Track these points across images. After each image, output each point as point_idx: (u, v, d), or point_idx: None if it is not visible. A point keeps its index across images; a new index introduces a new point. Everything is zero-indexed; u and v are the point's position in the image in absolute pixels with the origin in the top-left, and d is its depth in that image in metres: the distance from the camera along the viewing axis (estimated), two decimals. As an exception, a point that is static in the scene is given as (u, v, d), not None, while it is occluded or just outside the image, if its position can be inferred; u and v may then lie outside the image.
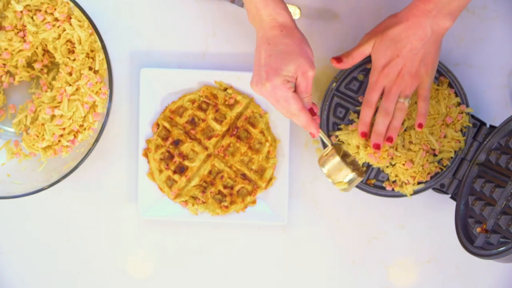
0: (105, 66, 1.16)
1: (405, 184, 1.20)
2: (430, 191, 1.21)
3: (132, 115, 1.25)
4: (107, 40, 1.17)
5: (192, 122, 1.23)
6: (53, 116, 1.19)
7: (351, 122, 1.21)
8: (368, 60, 1.20)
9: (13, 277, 1.27)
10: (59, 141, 1.19)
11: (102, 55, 1.17)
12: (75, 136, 1.20)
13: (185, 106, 1.23)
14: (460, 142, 1.20)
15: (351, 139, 1.19)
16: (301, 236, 1.26)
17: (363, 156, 1.19)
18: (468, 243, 1.11)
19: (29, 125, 1.22)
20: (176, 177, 1.23)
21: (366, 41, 1.14)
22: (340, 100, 1.22)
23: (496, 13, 1.25)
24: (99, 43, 1.15)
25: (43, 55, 1.21)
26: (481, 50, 1.25)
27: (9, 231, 1.27)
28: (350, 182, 1.12)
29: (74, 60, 1.18)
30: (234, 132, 1.22)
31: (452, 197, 1.21)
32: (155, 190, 1.24)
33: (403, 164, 1.19)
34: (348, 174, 1.11)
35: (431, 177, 1.20)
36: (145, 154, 1.23)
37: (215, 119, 1.23)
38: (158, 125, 1.23)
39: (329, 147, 1.12)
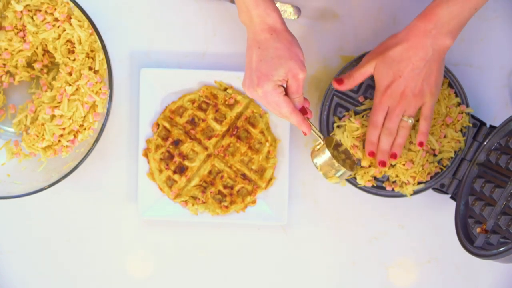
0: (105, 66, 1.16)
1: (405, 184, 1.20)
2: (430, 191, 1.21)
3: (132, 115, 1.25)
4: (107, 40, 1.17)
5: (192, 122, 1.23)
6: (53, 116, 1.19)
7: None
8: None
9: (13, 277, 1.27)
10: (59, 141, 1.19)
11: (102, 55, 1.17)
12: (75, 136, 1.20)
13: (185, 106, 1.23)
14: (460, 142, 1.20)
15: (345, 141, 1.20)
16: (301, 236, 1.26)
17: (360, 157, 1.19)
18: (468, 243, 1.12)
19: (29, 125, 1.22)
20: (176, 177, 1.23)
21: (368, 62, 1.14)
22: (340, 100, 1.22)
23: (496, 13, 1.25)
24: (99, 43, 1.15)
25: (43, 55, 1.21)
26: (481, 50, 1.25)
27: (9, 231, 1.27)
28: (341, 176, 1.14)
29: (74, 60, 1.18)
30: (234, 132, 1.23)
31: (452, 197, 1.21)
32: (155, 190, 1.24)
33: (403, 164, 1.19)
34: (340, 169, 1.13)
35: (431, 177, 1.20)
36: (145, 154, 1.23)
37: (215, 119, 1.23)
38: (158, 125, 1.23)
39: (321, 142, 1.14)
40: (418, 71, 1.10)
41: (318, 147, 1.14)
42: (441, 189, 1.21)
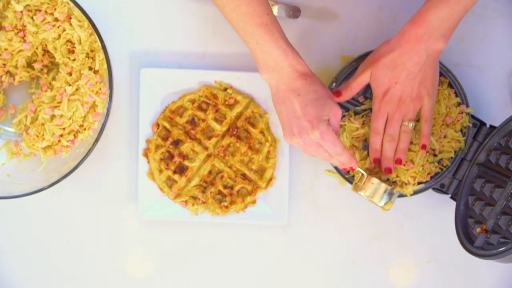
0: (105, 66, 1.16)
1: (405, 184, 1.20)
2: (430, 191, 1.21)
3: (132, 115, 1.25)
4: (107, 40, 1.17)
5: (192, 122, 1.23)
6: (53, 116, 1.19)
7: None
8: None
9: (13, 277, 1.27)
10: (59, 141, 1.19)
11: (102, 55, 1.17)
12: (75, 136, 1.20)
13: (185, 106, 1.23)
14: (460, 142, 1.19)
15: (344, 141, 1.20)
16: (301, 236, 1.26)
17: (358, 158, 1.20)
18: (468, 243, 1.11)
19: (29, 125, 1.22)
20: (176, 177, 1.23)
21: (363, 71, 1.14)
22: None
23: (496, 13, 1.25)
24: (99, 43, 1.15)
25: (43, 55, 1.21)
26: (481, 50, 1.25)
27: (9, 231, 1.27)
28: (393, 196, 1.17)
29: (74, 60, 1.18)
30: (234, 132, 1.23)
31: (452, 197, 1.21)
32: (155, 190, 1.24)
33: (403, 165, 1.19)
34: (388, 188, 1.17)
35: (431, 177, 1.20)
36: (145, 154, 1.23)
37: (215, 119, 1.23)
38: (158, 125, 1.23)
39: (363, 174, 1.16)
40: (413, 76, 1.11)
41: (363, 180, 1.17)
42: (441, 189, 1.21)
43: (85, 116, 1.19)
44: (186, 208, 1.24)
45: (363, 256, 1.27)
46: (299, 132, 1.06)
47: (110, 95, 1.16)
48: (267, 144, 1.23)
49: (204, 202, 1.23)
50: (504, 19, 1.24)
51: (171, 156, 1.23)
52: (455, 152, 1.20)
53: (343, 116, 1.21)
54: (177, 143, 1.23)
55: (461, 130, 1.20)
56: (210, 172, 1.24)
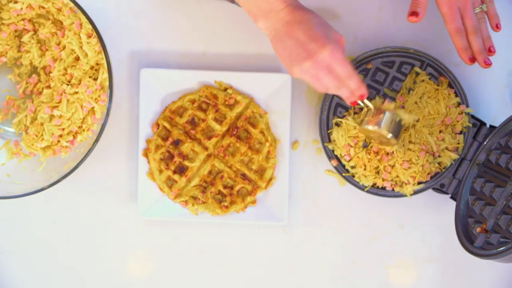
0: (107, 83, 1.16)
1: (405, 184, 1.20)
2: (430, 191, 1.21)
3: (132, 115, 1.25)
4: (107, 40, 1.17)
5: (192, 122, 1.23)
6: (52, 116, 1.19)
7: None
8: (368, 60, 1.20)
9: (13, 277, 1.27)
10: (58, 141, 1.19)
11: (106, 74, 1.17)
12: (74, 137, 1.20)
13: (185, 106, 1.23)
14: (458, 149, 1.20)
15: (339, 140, 1.20)
16: (301, 236, 1.26)
17: (353, 156, 1.20)
18: (468, 243, 1.12)
19: (28, 125, 1.22)
20: (176, 177, 1.23)
21: None
22: (340, 100, 1.21)
23: (496, 13, 1.25)
24: (105, 60, 1.15)
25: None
26: (481, 50, 1.25)
27: (9, 231, 1.27)
28: (399, 126, 1.15)
29: (77, 68, 1.19)
30: (234, 132, 1.23)
31: (452, 197, 1.21)
32: (155, 190, 1.24)
33: (401, 164, 1.19)
34: (397, 118, 1.14)
35: (431, 177, 1.20)
36: (145, 154, 1.23)
37: (215, 119, 1.23)
38: (158, 125, 1.23)
39: (371, 109, 1.14)
40: None
41: (370, 114, 1.14)
42: (441, 189, 1.21)
43: (84, 118, 1.19)
44: (186, 208, 1.24)
45: (363, 256, 1.27)
46: (308, 55, 1.02)
47: (110, 95, 1.16)
48: (267, 144, 1.23)
49: (204, 202, 1.23)
50: (504, 19, 1.24)
51: (171, 156, 1.23)
52: (454, 160, 1.20)
53: (343, 116, 1.21)
54: (177, 143, 1.23)
55: (461, 131, 1.20)
56: (210, 172, 1.24)
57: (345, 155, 1.21)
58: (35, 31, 1.20)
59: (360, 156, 1.20)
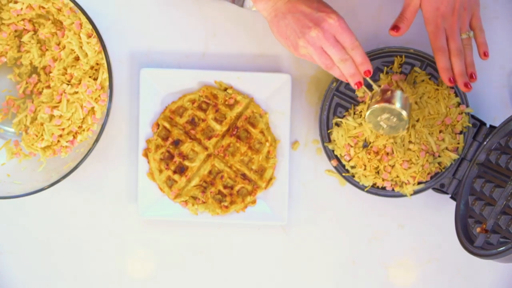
0: (107, 83, 1.16)
1: (405, 184, 1.20)
2: (430, 191, 1.21)
3: (132, 115, 1.25)
4: (107, 40, 1.17)
5: (192, 122, 1.23)
6: (52, 116, 1.19)
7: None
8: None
9: (13, 277, 1.27)
10: (58, 141, 1.19)
11: (106, 74, 1.17)
12: (74, 137, 1.20)
13: (185, 106, 1.23)
14: (458, 149, 1.20)
15: (339, 140, 1.20)
16: (301, 236, 1.26)
17: (353, 156, 1.20)
18: (468, 243, 1.11)
19: (28, 125, 1.22)
20: (176, 177, 1.23)
21: None
22: (340, 100, 1.21)
23: (496, 13, 1.25)
24: (105, 60, 1.15)
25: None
26: (481, 50, 1.25)
27: (9, 231, 1.27)
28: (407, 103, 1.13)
29: (77, 67, 1.19)
30: (234, 132, 1.23)
31: (452, 197, 1.21)
32: (155, 190, 1.24)
33: (401, 164, 1.19)
34: (404, 95, 1.13)
35: (431, 177, 1.20)
36: (145, 154, 1.23)
37: (215, 119, 1.23)
38: (158, 125, 1.23)
39: (377, 90, 1.14)
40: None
41: (375, 96, 1.14)
42: (441, 189, 1.21)
43: (84, 118, 1.19)
44: (186, 208, 1.24)
45: (363, 256, 1.27)
46: (315, 23, 1.04)
47: (110, 95, 1.16)
48: (267, 144, 1.23)
49: (204, 202, 1.23)
50: (504, 19, 1.24)
51: (171, 156, 1.23)
52: (454, 160, 1.20)
53: (343, 116, 1.21)
54: (177, 143, 1.23)
55: (461, 131, 1.20)
56: (210, 172, 1.24)
57: (345, 155, 1.21)
58: (35, 31, 1.20)
59: (360, 156, 1.20)
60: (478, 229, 1.11)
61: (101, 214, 1.26)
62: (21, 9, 1.18)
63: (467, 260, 1.24)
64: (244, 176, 1.24)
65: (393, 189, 1.21)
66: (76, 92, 1.18)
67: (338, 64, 1.07)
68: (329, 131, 1.21)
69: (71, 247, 1.27)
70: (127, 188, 1.26)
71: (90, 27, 1.14)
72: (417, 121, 1.19)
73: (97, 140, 1.15)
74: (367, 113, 1.13)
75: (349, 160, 1.21)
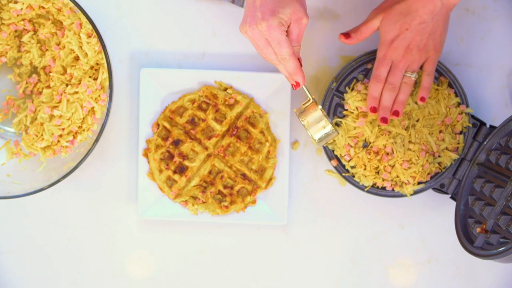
0: (107, 83, 1.16)
1: (405, 184, 1.20)
2: (430, 191, 1.21)
3: (132, 115, 1.25)
4: (107, 40, 1.17)
5: (192, 122, 1.23)
6: (52, 116, 1.19)
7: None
8: (368, 60, 1.21)
9: (13, 277, 1.27)
10: (58, 141, 1.19)
11: (106, 74, 1.17)
12: (74, 137, 1.20)
13: (185, 106, 1.23)
14: (458, 149, 1.20)
15: (339, 140, 1.20)
16: (301, 236, 1.26)
17: (353, 156, 1.20)
18: (468, 243, 1.11)
19: (28, 125, 1.22)
20: (176, 177, 1.23)
21: (374, 16, 1.14)
22: (340, 100, 1.22)
23: (496, 13, 1.25)
24: (104, 59, 1.15)
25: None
26: (481, 50, 1.25)
27: (9, 231, 1.27)
28: (326, 135, 1.12)
29: (76, 67, 1.19)
30: (234, 132, 1.23)
31: (452, 197, 1.21)
32: (155, 190, 1.24)
33: (401, 164, 1.19)
34: (327, 125, 1.11)
35: (431, 177, 1.20)
36: (145, 154, 1.23)
37: (215, 119, 1.23)
38: (158, 125, 1.23)
39: (310, 100, 1.11)
40: (425, 25, 1.10)
41: (306, 104, 1.12)
42: (441, 189, 1.21)
43: (84, 118, 1.19)
44: (186, 208, 1.24)
45: (363, 256, 1.27)
46: (250, 22, 1.02)
47: (110, 95, 1.15)
48: (267, 144, 1.23)
49: (204, 202, 1.23)
50: (504, 19, 1.24)
51: (171, 156, 1.23)
52: (454, 160, 1.20)
53: (344, 116, 1.21)
54: (177, 143, 1.23)
55: (461, 131, 1.20)
56: (210, 172, 1.24)
57: (345, 155, 1.21)
58: (35, 31, 1.20)
59: (360, 156, 1.20)
60: (478, 229, 1.11)
61: (101, 214, 1.26)
62: (21, 9, 1.18)
63: (467, 260, 1.24)
64: (244, 176, 1.24)
65: (393, 189, 1.21)
66: (76, 92, 1.18)
67: (273, 62, 1.06)
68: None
69: (71, 247, 1.27)
70: (127, 188, 1.26)
71: (90, 27, 1.14)
72: (417, 121, 1.19)
73: (97, 140, 1.15)
74: (296, 109, 1.14)
75: (349, 160, 1.21)
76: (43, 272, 1.27)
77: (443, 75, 1.20)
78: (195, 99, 1.23)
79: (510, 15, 1.25)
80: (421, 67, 1.17)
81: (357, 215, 1.26)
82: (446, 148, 1.20)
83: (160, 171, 1.23)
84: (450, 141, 1.19)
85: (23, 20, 1.20)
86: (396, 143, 1.19)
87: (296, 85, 1.07)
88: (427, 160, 1.19)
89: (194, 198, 1.24)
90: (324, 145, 1.21)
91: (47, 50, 1.20)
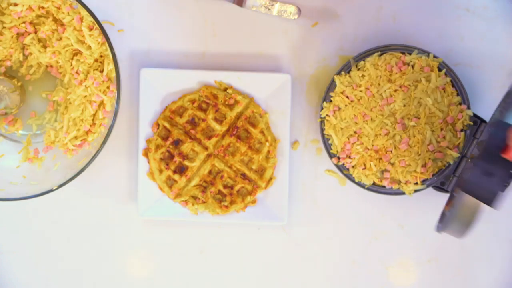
0: (114, 74, 1.16)
1: (406, 183, 1.20)
2: (430, 190, 1.21)
3: (132, 115, 1.25)
4: (107, 39, 1.17)
5: (192, 122, 1.23)
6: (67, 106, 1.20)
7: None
8: (366, 55, 1.20)
9: (13, 277, 1.27)
10: (75, 137, 1.20)
11: (111, 65, 1.17)
12: (87, 133, 1.20)
13: (185, 106, 1.23)
14: (459, 145, 1.20)
15: (338, 138, 1.20)
16: (301, 236, 1.26)
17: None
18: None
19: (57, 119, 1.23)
20: (176, 177, 1.23)
21: None
22: (340, 98, 1.22)
23: (496, 13, 1.25)
24: (109, 51, 1.15)
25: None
26: (481, 50, 1.25)
27: (10, 231, 1.27)
28: None
29: (81, 62, 1.19)
30: (234, 132, 1.23)
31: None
32: (155, 190, 1.24)
33: (400, 162, 1.19)
34: None
35: (432, 175, 1.20)
36: (145, 154, 1.23)
37: (215, 119, 1.23)
38: (158, 125, 1.23)
39: None
40: None
41: None
42: (441, 187, 1.20)
43: (94, 114, 1.19)
44: (186, 208, 1.24)
45: (363, 256, 1.26)
46: None
47: (118, 85, 1.15)
48: (267, 144, 1.23)
49: (204, 202, 1.24)
50: (504, 19, 1.24)
51: (171, 156, 1.23)
52: (455, 158, 1.20)
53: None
54: (177, 143, 1.23)
55: (462, 129, 1.20)
56: (210, 172, 1.24)
57: (342, 154, 1.20)
58: (36, 32, 1.21)
59: (359, 154, 1.20)
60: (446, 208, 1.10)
61: (101, 213, 1.26)
62: (21, 11, 1.18)
63: (467, 260, 1.24)
64: (244, 176, 1.24)
65: (391, 187, 1.20)
66: (86, 88, 1.18)
67: None
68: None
69: (71, 247, 1.27)
70: (127, 188, 1.26)
71: (91, 19, 1.14)
72: (418, 118, 1.18)
73: (109, 133, 1.15)
74: None
75: (348, 157, 1.20)
76: (43, 272, 1.27)
77: (446, 74, 1.20)
78: (195, 99, 1.23)
79: (510, 15, 1.25)
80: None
81: (357, 215, 1.26)
82: (447, 146, 1.20)
83: (160, 171, 1.23)
84: (451, 139, 1.19)
85: (24, 22, 1.20)
86: (396, 141, 1.19)
87: None
88: (429, 158, 1.19)
89: (194, 198, 1.24)
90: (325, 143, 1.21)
91: (48, 47, 1.20)
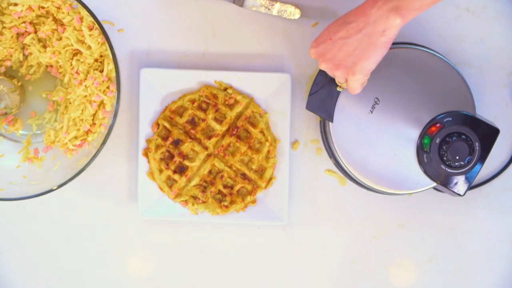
0: (114, 74, 1.16)
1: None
2: (430, 190, 1.21)
3: (132, 115, 1.25)
4: (107, 39, 1.17)
5: (192, 122, 1.23)
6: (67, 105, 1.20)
7: None
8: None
9: (13, 277, 1.27)
10: (75, 137, 1.20)
11: (111, 65, 1.17)
12: (87, 133, 1.20)
13: (185, 106, 1.23)
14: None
15: None
16: (301, 236, 1.26)
17: None
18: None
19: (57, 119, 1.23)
20: (176, 177, 1.23)
21: None
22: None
23: (496, 13, 1.25)
24: (109, 51, 1.15)
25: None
26: (481, 50, 1.25)
27: (10, 231, 1.27)
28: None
29: (81, 62, 1.19)
30: (234, 132, 1.23)
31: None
32: (155, 190, 1.24)
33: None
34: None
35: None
36: (145, 154, 1.23)
37: (215, 119, 1.23)
38: (158, 125, 1.23)
39: None
40: (344, 41, 1.01)
41: None
42: (439, 190, 1.20)
43: (94, 114, 1.19)
44: (186, 208, 1.24)
45: (363, 256, 1.26)
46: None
47: (118, 85, 1.15)
48: (267, 144, 1.23)
49: (204, 202, 1.24)
50: (504, 19, 1.24)
51: (171, 156, 1.23)
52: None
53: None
54: (177, 143, 1.23)
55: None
56: (210, 172, 1.24)
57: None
58: (36, 32, 1.21)
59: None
60: None
61: (101, 213, 1.26)
62: (21, 11, 1.18)
63: (467, 260, 1.24)
64: (244, 176, 1.24)
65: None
66: (86, 88, 1.18)
67: None
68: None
69: (71, 247, 1.27)
70: (127, 188, 1.26)
71: (91, 19, 1.14)
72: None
73: (109, 133, 1.15)
74: None
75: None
76: (43, 272, 1.27)
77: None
78: (195, 99, 1.23)
79: (510, 15, 1.25)
80: None
81: (357, 215, 1.26)
82: None
83: (160, 171, 1.23)
84: None
85: (24, 22, 1.20)
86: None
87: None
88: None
89: (194, 198, 1.24)
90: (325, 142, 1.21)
91: (48, 47, 1.20)
